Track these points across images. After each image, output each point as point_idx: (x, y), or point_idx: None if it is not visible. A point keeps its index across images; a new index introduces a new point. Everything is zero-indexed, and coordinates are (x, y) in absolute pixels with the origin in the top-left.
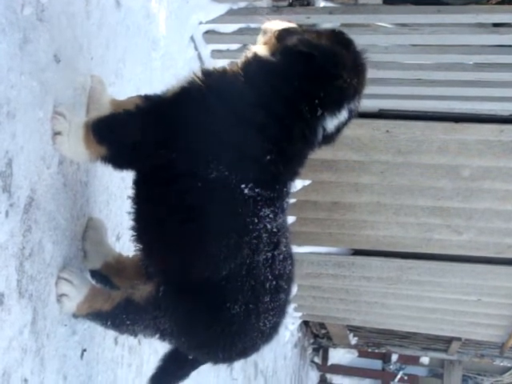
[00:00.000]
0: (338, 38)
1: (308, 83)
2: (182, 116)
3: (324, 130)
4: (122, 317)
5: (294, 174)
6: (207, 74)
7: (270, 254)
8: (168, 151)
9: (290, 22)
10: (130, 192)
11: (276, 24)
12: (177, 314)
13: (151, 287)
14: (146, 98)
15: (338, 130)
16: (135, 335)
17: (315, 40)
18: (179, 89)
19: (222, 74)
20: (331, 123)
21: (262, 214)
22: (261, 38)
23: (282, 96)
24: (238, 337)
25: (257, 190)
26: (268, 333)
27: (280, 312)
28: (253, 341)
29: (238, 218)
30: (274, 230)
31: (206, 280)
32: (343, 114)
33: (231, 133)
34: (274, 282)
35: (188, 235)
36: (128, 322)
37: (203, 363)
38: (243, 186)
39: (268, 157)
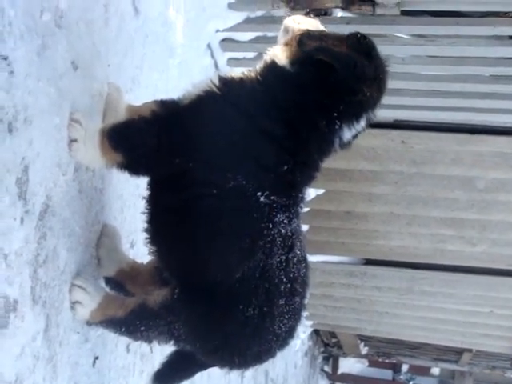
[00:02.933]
0: (360, 45)
1: (327, 97)
2: (199, 124)
3: (341, 140)
4: (135, 323)
5: (309, 180)
6: (224, 82)
7: (284, 257)
8: (184, 160)
9: (311, 17)
10: (145, 193)
11: (298, 21)
12: (191, 317)
13: (166, 292)
14: (162, 103)
15: (355, 137)
16: (149, 342)
17: (336, 48)
18: (196, 97)
19: (239, 82)
20: (349, 133)
21: (276, 219)
22: (281, 37)
23: (300, 108)
24: (253, 340)
25: (272, 198)
26: (283, 337)
27: (295, 316)
28: (268, 344)
29: (252, 224)
30: (289, 233)
31: (220, 283)
32: (361, 125)
33: (248, 142)
34: (289, 285)
35: (201, 238)
36: (142, 329)
37: (214, 366)
38: (259, 193)
39: (285, 167)
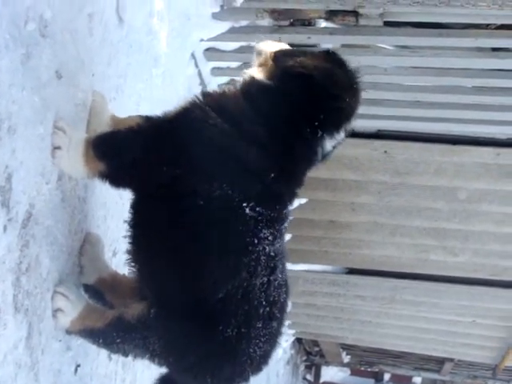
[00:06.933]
0: (332, 59)
1: (308, 105)
2: (184, 135)
3: (323, 150)
4: (112, 335)
5: (293, 195)
6: (208, 94)
7: (265, 279)
8: (169, 169)
9: (280, 42)
10: (127, 216)
11: (269, 45)
12: (166, 335)
13: (143, 306)
14: (147, 118)
15: (334, 148)
16: (126, 355)
17: (311, 61)
18: (181, 108)
19: (222, 95)
20: (329, 144)
21: (261, 235)
22: (256, 60)
23: (283, 117)
24: (227, 361)
25: (258, 209)
26: (258, 360)
27: (271, 340)
28: (241, 367)
29: (238, 238)
30: (272, 253)
31: (199, 304)
32: (341, 135)
33: (234, 151)
34: (268, 309)
35: (187, 257)
36: (118, 341)
37: None
38: (245, 204)
39: (271, 175)
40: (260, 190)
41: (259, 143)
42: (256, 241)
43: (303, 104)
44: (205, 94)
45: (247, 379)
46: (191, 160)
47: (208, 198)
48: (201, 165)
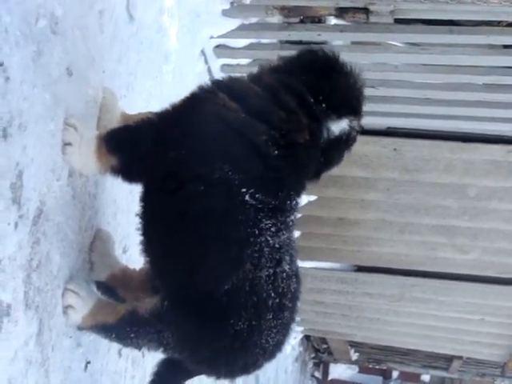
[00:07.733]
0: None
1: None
2: (189, 115)
3: (328, 131)
4: (126, 330)
5: (299, 185)
6: (216, 79)
7: (271, 271)
8: (175, 152)
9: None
10: (138, 209)
11: None
12: (180, 329)
13: (156, 300)
14: (157, 113)
15: (344, 135)
16: (139, 348)
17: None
18: (189, 94)
19: (231, 77)
20: (335, 127)
21: (262, 225)
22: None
23: (281, 98)
24: (239, 353)
25: (257, 196)
26: (271, 350)
27: (284, 330)
28: (255, 358)
29: (239, 229)
30: (277, 245)
31: (209, 296)
32: (343, 124)
33: (235, 131)
34: (277, 300)
35: (189, 249)
36: (132, 335)
37: (202, 374)
38: (244, 190)
39: (275, 152)
40: (260, 172)
41: (264, 123)
42: (257, 231)
43: (299, 87)
44: (213, 80)
45: (261, 367)
46: (196, 141)
47: (209, 181)
48: (204, 145)
